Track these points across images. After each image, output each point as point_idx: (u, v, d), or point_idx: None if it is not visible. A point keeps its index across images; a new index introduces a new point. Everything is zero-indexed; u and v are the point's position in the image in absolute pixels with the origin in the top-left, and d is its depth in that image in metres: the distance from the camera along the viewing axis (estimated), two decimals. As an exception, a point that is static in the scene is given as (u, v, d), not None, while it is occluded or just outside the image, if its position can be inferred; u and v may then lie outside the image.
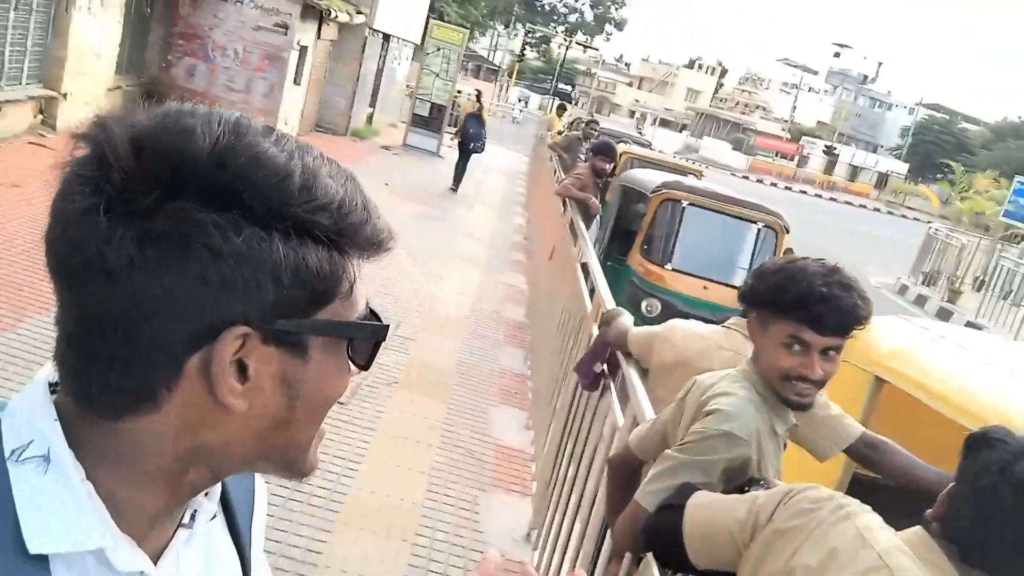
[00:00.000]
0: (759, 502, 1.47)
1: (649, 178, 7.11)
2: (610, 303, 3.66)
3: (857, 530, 1.30)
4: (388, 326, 0.68)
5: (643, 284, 6.52)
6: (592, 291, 4.15)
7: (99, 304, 0.58)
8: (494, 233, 11.67)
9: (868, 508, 1.39)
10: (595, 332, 3.73)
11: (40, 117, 9.27)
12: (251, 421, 0.63)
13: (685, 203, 6.60)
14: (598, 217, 7.52)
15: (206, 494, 0.71)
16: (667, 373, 2.62)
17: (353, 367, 0.68)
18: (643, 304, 6.32)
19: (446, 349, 6.31)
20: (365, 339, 0.67)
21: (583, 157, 9.76)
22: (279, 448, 0.66)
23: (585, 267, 4.86)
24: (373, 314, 0.67)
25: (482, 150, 14.45)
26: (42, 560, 0.58)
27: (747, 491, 1.77)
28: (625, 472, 2.16)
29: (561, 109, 17.69)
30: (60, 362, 0.62)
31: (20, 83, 8.87)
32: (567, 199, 6.88)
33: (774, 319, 1.81)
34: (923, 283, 17.34)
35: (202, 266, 0.57)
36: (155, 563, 0.66)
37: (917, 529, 1.31)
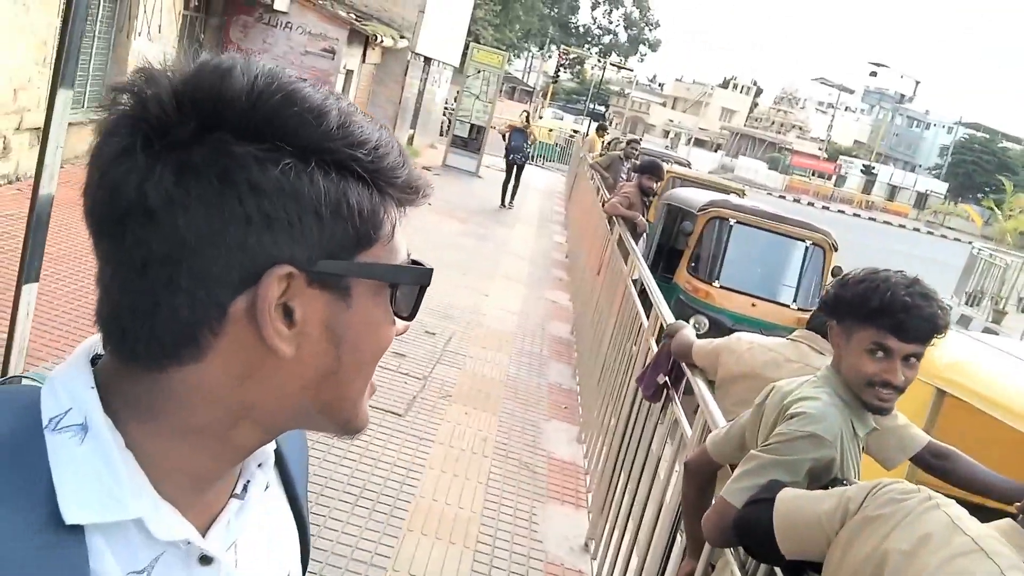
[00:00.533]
0: (848, 493, 1.55)
1: (695, 197, 7.21)
2: (670, 317, 3.75)
3: (948, 518, 1.39)
4: (432, 270, 0.66)
5: (691, 301, 6.59)
6: (648, 306, 4.24)
7: (139, 247, 0.57)
8: (535, 251, 11.81)
9: (954, 501, 1.47)
10: (653, 346, 3.83)
11: (100, 139, 9.60)
12: (298, 369, 0.61)
13: (733, 221, 6.68)
14: (644, 235, 7.61)
15: (259, 465, 0.70)
16: (733, 385, 2.71)
17: (398, 320, 0.66)
18: (691, 321, 6.39)
19: (495, 364, 6.43)
20: (409, 285, 0.65)
21: (624, 176, 9.87)
22: (328, 402, 0.64)
23: (635, 283, 4.96)
24: (415, 263, 0.66)
25: (524, 161, 15.03)
26: (78, 531, 0.57)
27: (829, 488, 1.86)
28: (703, 475, 2.25)
29: (601, 130, 17.80)
30: (101, 320, 0.61)
31: (83, 107, 9.21)
32: (614, 217, 6.99)
33: (858, 326, 1.91)
34: (967, 303, 17.14)
35: (242, 201, 0.56)
36: (203, 534, 0.64)
37: (1007, 520, 1.39)
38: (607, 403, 4.61)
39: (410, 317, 0.66)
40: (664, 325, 3.53)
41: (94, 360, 0.63)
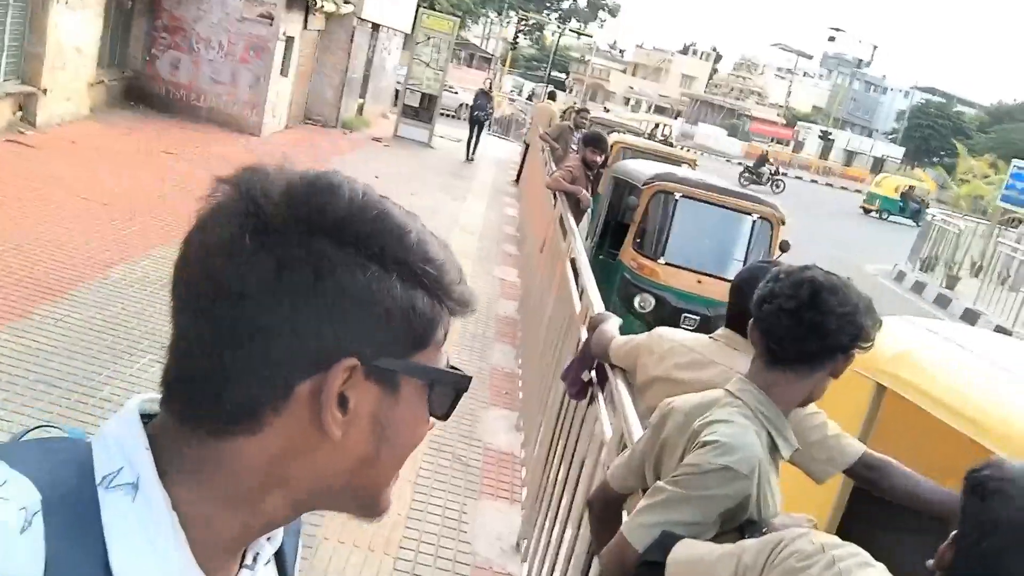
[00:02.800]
0: (745, 559, 1.30)
1: (641, 169, 6.94)
2: (599, 304, 3.50)
3: None
4: (471, 378, 0.73)
5: (635, 279, 6.36)
6: (581, 290, 3.99)
7: (226, 325, 0.62)
8: (486, 225, 11.50)
9: (866, 557, 1.22)
10: (583, 335, 3.58)
11: (19, 114, 9.06)
12: (341, 454, 0.66)
13: (678, 195, 6.43)
14: (590, 210, 7.35)
15: (268, 539, 0.74)
16: (650, 388, 2.45)
17: (431, 419, 0.71)
18: (636, 300, 6.16)
19: (435, 348, 6.14)
20: (449, 387, 0.71)
21: (574, 147, 9.58)
22: (360, 486, 0.69)
23: (575, 263, 4.70)
24: (453, 368, 0.72)
25: (488, 119, 17.62)
26: None
27: (744, 534, 1.61)
28: (608, 511, 2.00)
29: (552, 97, 17.68)
30: (169, 384, 0.65)
31: (-2, 79, 8.68)
32: (557, 192, 6.71)
33: (824, 359, 1.70)
34: (921, 269, 17.21)
35: (329, 298, 0.62)
36: None
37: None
38: (544, 391, 4.36)
39: (444, 417, 0.72)
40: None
41: (145, 419, 0.66)
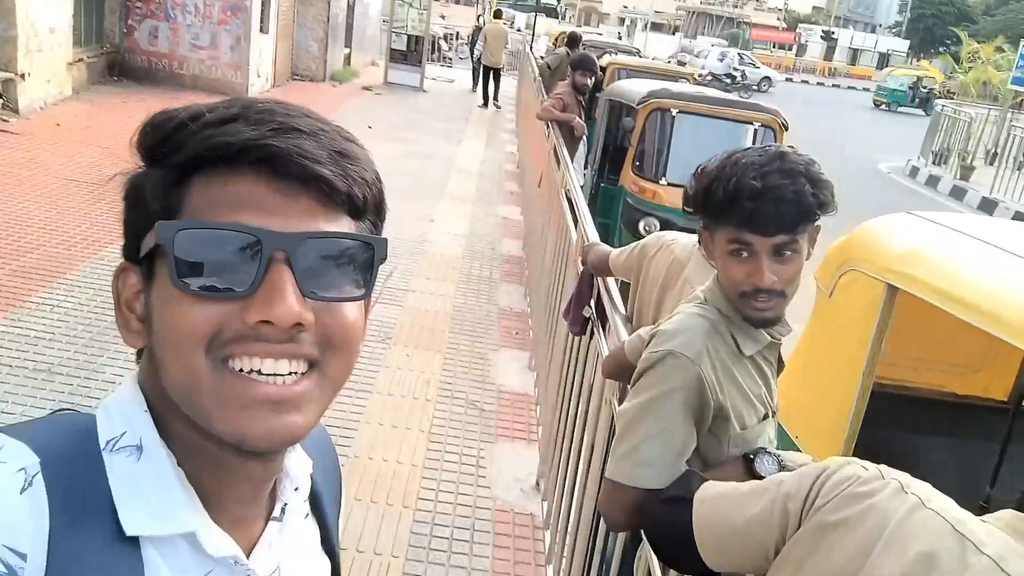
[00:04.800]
0: (785, 488, 1.17)
1: (635, 88, 6.69)
2: (593, 233, 3.37)
3: (945, 521, 0.99)
4: (176, 223, 0.62)
5: (638, 203, 6.19)
6: (577, 220, 3.85)
7: None
8: (484, 165, 11.28)
9: (922, 483, 1.09)
10: (579, 267, 3.46)
11: (0, 101, 8.90)
12: (149, 363, 0.65)
13: (675, 111, 6.21)
14: (585, 137, 7.14)
15: (296, 489, 0.73)
16: (661, 283, 2.39)
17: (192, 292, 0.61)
18: (640, 224, 6.00)
19: (441, 295, 6.05)
20: (179, 252, 0.61)
21: (569, 74, 9.29)
22: (179, 400, 0.63)
23: (570, 194, 4.55)
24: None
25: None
26: (135, 544, 0.61)
27: (753, 465, 1.51)
28: (624, 374, 1.97)
29: (497, 15, 18.03)
30: None
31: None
32: (550, 122, 6.51)
33: (715, 226, 1.56)
34: (934, 163, 16.84)
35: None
36: (247, 555, 0.68)
37: (1008, 512, 1.02)
38: (551, 325, 4.27)
39: (186, 276, 0.61)
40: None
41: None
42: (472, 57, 17.28)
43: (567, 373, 3.47)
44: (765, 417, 1.62)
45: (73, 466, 0.61)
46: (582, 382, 3.05)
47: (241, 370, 0.61)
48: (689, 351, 1.51)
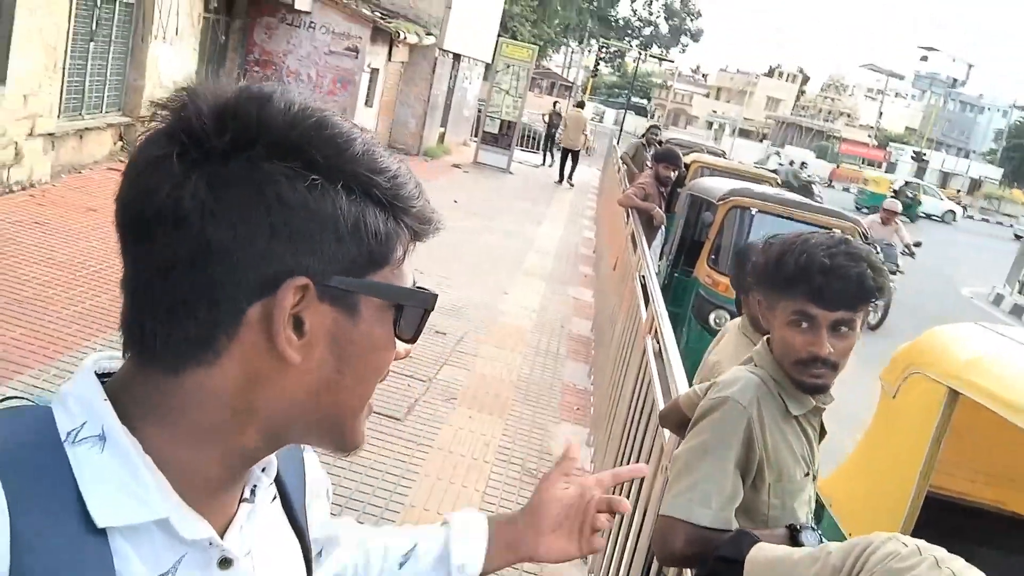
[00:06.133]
0: (832, 560, 1.26)
1: (717, 185, 6.87)
2: (663, 313, 3.50)
3: None
4: (436, 296, 0.69)
5: (710, 295, 6.28)
6: (648, 301, 3.98)
7: (168, 250, 0.59)
8: (561, 246, 11.54)
9: (957, 558, 1.18)
10: (648, 345, 3.57)
11: (120, 144, 9.60)
12: (304, 378, 0.64)
13: (754, 211, 6.34)
14: (663, 228, 7.31)
15: (263, 470, 0.73)
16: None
17: (400, 343, 0.68)
18: (711, 317, 6.08)
19: (508, 364, 6.20)
20: (414, 308, 0.67)
21: (649, 166, 9.57)
22: (327, 414, 0.67)
23: (644, 280, 4.69)
24: (420, 289, 0.69)
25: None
26: (102, 535, 0.60)
27: (798, 536, 1.60)
28: (678, 423, 2.10)
29: (580, 105, 19.33)
30: (125, 323, 0.64)
31: (101, 111, 9.22)
32: (630, 209, 6.71)
33: (779, 296, 1.70)
34: (1020, 292, 16.42)
35: (270, 214, 0.59)
36: (221, 536, 0.67)
37: None
38: (613, 406, 4.36)
39: (412, 340, 0.69)
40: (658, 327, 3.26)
41: (102, 376, 0.65)
42: (545, 138, 20.43)
43: (623, 454, 3.55)
44: (808, 475, 1.72)
45: (34, 460, 0.59)
46: (639, 458, 3.12)
47: None
48: (742, 399, 1.66)
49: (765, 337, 1.81)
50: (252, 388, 0.63)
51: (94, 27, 8.68)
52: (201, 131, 0.60)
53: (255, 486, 0.72)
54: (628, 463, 3.38)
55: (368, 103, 14.16)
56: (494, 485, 4.35)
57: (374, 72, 14.06)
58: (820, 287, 1.60)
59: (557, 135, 19.61)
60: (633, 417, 3.43)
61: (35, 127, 7.59)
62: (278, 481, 0.77)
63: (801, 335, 1.65)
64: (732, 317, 6.08)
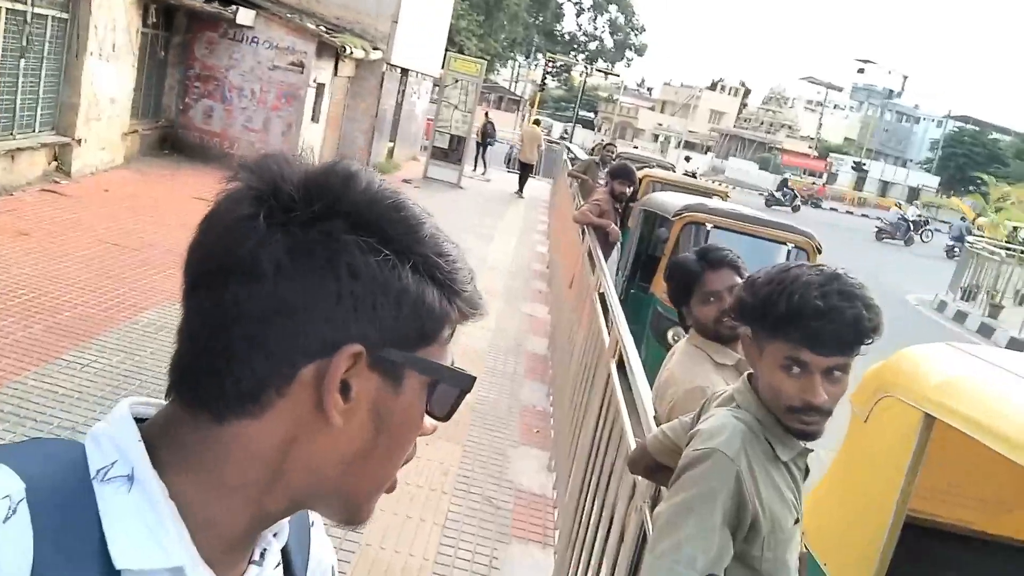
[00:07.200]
0: None
1: (671, 201, 6.83)
2: (627, 337, 3.39)
3: None
4: (475, 378, 0.70)
5: (668, 312, 6.20)
6: (610, 324, 3.87)
7: (238, 302, 0.61)
8: (514, 263, 11.43)
9: None
10: (613, 370, 3.46)
11: (55, 164, 9.23)
12: (340, 442, 0.65)
13: (709, 226, 6.30)
14: (619, 244, 7.24)
15: (275, 535, 0.73)
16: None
17: (428, 420, 0.70)
18: (669, 333, 6.00)
19: (464, 387, 6.03)
20: (452, 386, 0.69)
21: (602, 182, 9.52)
22: (350, 486, 0.68)
23: (603, 297, 4.59)
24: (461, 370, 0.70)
25: (493, 143, 22.00)
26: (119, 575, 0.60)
27: None
28: (651, 474, 2.03)
29: (536, 122, 20.18)
30: (177, 368, 0.65)
31: (33, 131, 8.85)
32: (586, 226, 6.63)
33: (768, 338, 1.56)
34: (962, 298, 16.80)
35: (339, 281, 0.62)
36: None
37: None
38: (576, 425, 4.23)
39: (446, 418, 0.71)
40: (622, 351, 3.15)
41: (139, 420, 0.66)
42: (477, 146, 21.11)
43: (590, 477, 3.42)
44: (796, 521, 1.61)
45: (61, 495, 0.60)
46: (607, 488, 3.00)
47: None
48: (729, 450, 1.53)
49: (747, 374, 1.70)
50: (289, 447, 0.65)
51: (25, 43, 8.34)
52: (289, 198, 0.63)
53: (265, 549, 0.73)
54: (595, 492, 3.25)
55: (315, 119, 13.90)
56: (454, 517, 4.19)
57: (320, 87, 13.81)
58: (815, 332, 1.47)
59: (491, 143, 21.28)
60: (599, 447, 3.30)
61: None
62: (284, 549, 0.77)
63: (793, 381, 1.52)
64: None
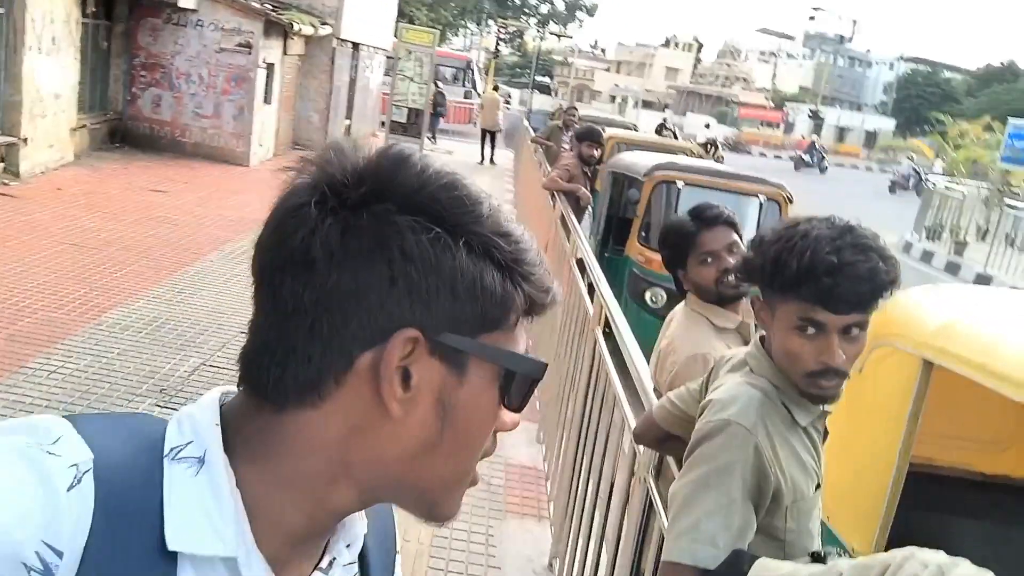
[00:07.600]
0: None
1: (641, 161, 6.75)
2: (612, 301, 3.31)
3: None
4: (547, 364, 0.68)
5: (644, 273, 6.16)
6: (591, 289, 3.80)
7: (293, 296, 0.61)
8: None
9: (984, 572, 1.03)
10: (599, 336, 3.39)
11: (1, 166, 8.90)
12: (403, 434, 0.63)
13: (680, 184, 6.24)
14: (590, 207, 7.16)
15: (348, 546, 0.71)
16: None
17: (506, 414, 0.67)
18: (647, 295, 5.97)
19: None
20: (523, 375, 0.66)
21: (566, 146, 9.41)
22: (422, 477, 0.66)
23: (580, 263, 4.51)
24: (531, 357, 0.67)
25: (444, 114, 21.58)
26: (172, 559, 0.59)
27: (824, 560, 1.42)
28: (659, 445, 1.98)
29: (495, 88, 20.07)
30: (244, 358, 0.65)
31: (-25, 132, 8.52)
32: (556, 192, 6.53)
33: (780, 299, 1.47)
34: (927, 238, 17.01)
35: (391, 264, 0.60)
36: None
37: None
38: (563, 396, 4.17)
39: (519, 408, 0.68)
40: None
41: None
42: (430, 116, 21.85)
43: (584, 447, 3.36)
44: (818, 487, 1.54)
45: (128, 470, 0.60)
46: (603, 458, 2.94)
47: None
48: (746, 420, 1.45)
49: (759, 336, 1.62)
50: (350, 439, 0.63)
51: (-42, 41, 7.99)
52: (341, 184, 0.62)
53: (334, 559, 0.71)
54: (589, 463, 3.19)
55: (267, 100, 13.58)
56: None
57: (270, 67, 13.47)
58: (829, 289, 1.38)
59: (442, 112, 21.02)
60: (591, 417, 3.24)
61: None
62: (363, 562, 0.75)
63: (809, 343, 1.44)
64: (668, 295, 6.00)
